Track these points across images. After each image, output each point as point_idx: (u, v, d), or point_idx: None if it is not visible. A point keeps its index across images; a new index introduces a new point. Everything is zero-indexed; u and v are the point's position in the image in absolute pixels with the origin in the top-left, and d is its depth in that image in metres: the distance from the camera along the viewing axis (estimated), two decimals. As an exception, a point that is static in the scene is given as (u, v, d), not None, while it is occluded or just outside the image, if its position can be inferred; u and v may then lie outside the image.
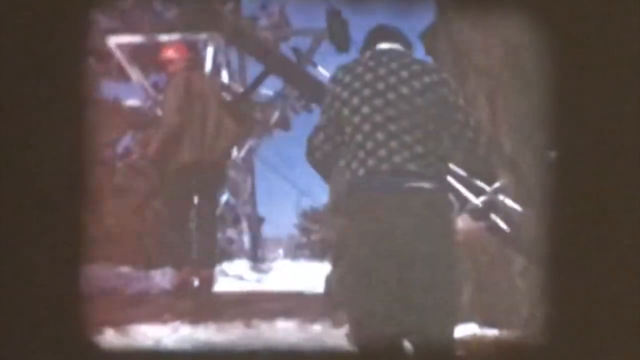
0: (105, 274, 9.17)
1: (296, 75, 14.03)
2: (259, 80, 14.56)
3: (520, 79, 6.75)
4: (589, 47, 3.98)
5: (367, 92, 3.84)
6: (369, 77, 3.87)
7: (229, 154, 9.16)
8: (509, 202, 4.89)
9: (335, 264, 5.12)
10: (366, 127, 3.80)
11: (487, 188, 4.42)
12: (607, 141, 3.91)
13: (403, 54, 3.99)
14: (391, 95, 3.81)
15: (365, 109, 3.82)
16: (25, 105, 4.03)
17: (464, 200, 4.26)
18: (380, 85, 3.84)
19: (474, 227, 4.42)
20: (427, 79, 3.87)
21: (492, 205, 4.34)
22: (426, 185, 3.72)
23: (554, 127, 4.05)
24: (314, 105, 14.82)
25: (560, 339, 3.91)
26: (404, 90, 3.82)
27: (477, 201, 4.34)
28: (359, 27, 14.57)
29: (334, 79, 3.99)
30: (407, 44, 4.07)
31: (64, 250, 4.01)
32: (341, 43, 13.82)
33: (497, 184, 4.36)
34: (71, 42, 4.08)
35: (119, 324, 6.12)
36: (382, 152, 3.76)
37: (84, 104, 4.11)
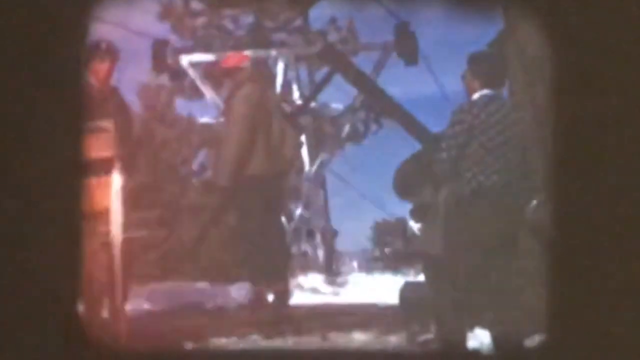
0: (183, 289, 9.33)
1: (368, 88, 14.12)
2: (318, 88, 14.66)
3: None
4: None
5: (483, 126, 5.35)
6: (482, 116, 5.37)
7: (293, 164, 9.22)
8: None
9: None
10: (477, 155, 5.33)
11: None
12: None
13: (497, 97, 5.49)
14: (498, 128, 5.33)
15: (482, 139, 5.33)
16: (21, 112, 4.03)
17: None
18: (491, 121, 5.34)
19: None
20: (513, 116, 5.44)
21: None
22: (515, 189, 5.29)
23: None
24: (383, 119, 14.87)
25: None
26: (503, 124, 5.36)
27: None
28: (427, 39, 14.60)
29: (457, 117, 5.45)
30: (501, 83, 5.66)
31: (64, 254, 4.02)
32: (409, 56, 13.88)
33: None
34: (71, 41, 4.06)
35: (197, 338, 6.24)
36: (488, 171, 5.29)
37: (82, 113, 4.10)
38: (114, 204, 5.97)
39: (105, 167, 6.06)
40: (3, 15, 4.01)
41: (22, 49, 4.04)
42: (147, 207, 11.03)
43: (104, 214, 6.02)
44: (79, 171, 4.12)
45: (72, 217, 4.06)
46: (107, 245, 5.95)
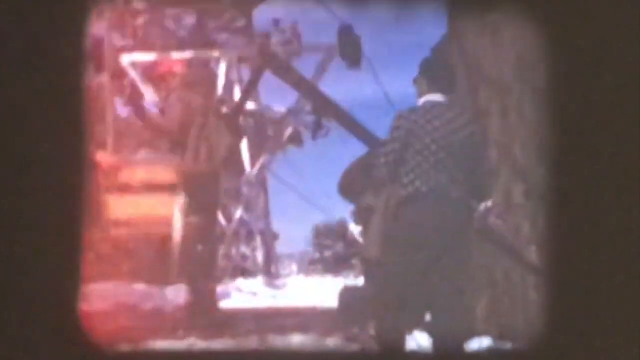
0: (120, 291, 9.20)
1: (309, 90, 14.08)
2: (251, 86, 14.61)
3: (531, 91, 6.76)
4: (596, 57, 4.03)
5: (420, 133, 5.30)
6: (421, 122, 5.33)
7: (227, 165, 9.20)
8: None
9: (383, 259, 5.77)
10: (414, 161, 5.28)
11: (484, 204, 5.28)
12: (611, 151, 4.00)
13: (442, 104, 5.42)
14: (435, 135, 5.29)
15: (418, 146, 5.29)
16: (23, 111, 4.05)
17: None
18: (428, 128, 5.30)
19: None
20: (459, 122, 5.36)
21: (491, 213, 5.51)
22: (455, 195, 5.25)
23: (560, 137, 4.19)
24: (325, 122, 14.87)
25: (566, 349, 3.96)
26: (443, 131, 5.29)
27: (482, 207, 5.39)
28: (371, 42, 14.61)
29: (395, 124, 5.38)
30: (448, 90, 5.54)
31: (64, 256, 4.04)
32: (353, 59, 13.88)
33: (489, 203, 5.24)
34: (71, 40, 4.08)
35: (134, 340, 6.14)
36: (425, 177, 5.26)
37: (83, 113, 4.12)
38: (177, 215, 8.48)
39: (170, 189, 8.26)
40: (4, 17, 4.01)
41: (22, 53, 4.04)
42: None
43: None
44: (81, 173, 4.13)
45: (74, 219, 4.07)
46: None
